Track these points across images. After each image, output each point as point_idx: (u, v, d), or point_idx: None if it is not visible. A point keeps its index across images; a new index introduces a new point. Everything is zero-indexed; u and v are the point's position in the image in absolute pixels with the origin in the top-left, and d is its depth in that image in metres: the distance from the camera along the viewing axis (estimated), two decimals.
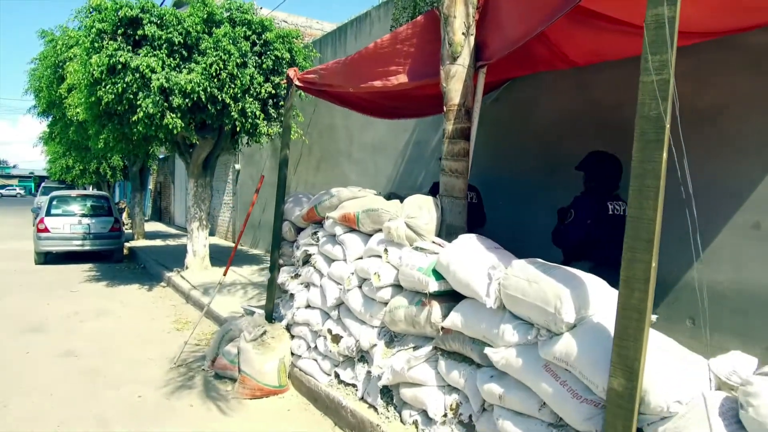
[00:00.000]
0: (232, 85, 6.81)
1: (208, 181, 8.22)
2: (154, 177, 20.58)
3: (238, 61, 6.79)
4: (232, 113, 6.92)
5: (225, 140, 8.00)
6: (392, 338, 3.35)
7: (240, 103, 6.92)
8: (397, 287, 3.37)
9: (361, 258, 3.76)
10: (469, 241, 2.98)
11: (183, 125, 6.70)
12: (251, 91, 7.01)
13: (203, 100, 6.69)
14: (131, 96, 6.41)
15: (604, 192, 3.60)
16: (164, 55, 6.49)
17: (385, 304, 3.35)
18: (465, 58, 3.40)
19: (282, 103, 7.40)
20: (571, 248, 3.67)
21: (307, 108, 8.39)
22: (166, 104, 6.48)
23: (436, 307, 2.94)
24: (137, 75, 6.32)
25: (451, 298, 2.97)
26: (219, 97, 6.77)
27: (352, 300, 3.57)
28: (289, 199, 4.58)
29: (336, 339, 3.72)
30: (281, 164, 4.56)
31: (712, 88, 3.54)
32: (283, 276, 4.44)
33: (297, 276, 4.29)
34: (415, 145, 6.45)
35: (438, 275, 2.97)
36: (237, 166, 11.54)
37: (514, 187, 5.01)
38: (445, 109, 3.48)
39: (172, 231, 16.33)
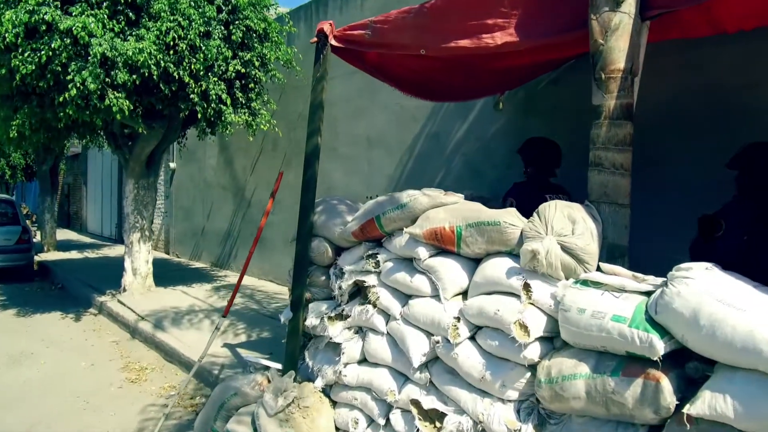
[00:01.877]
0: (193, 60, 5.33)
1: (152, 182, 6.61)
2: (61, 177, 17.90)
3: (201, 29, 5.33)
4: (191, 96, 5.44)
5: (176, 131, 6.44)
6: (545, 419, 2.21)
7: (203, 83, 5.45)
8: (547, 340, 2.25)
9: (460, 293, 2.59)
10: (712, 272, 1.91)
11: (130, 108, 5.13)
12: (215, 69, 5.56)
13: (155, 77, 5.17)
14: (58, 68, 4.77)
15: (763, 197, 2.71)
16: (105, 15, 4.90)
17: (529, 366, 2.22)
18: (631, 4, 2.34)
19: (252, 86, 6.00)
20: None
21: (272, 93, 6.99)
22: (107, 80, 4.90)
23: (666, 382, 1.84)
24: (68, 40, 4.69)
25: (674, 363, 1.90)
26: (175, 74, 5.27)
27: (464, 359, 2.39)
28: (318, 207, 3.29)
29: (431, 416, 2.52)
30: (309, 157, 3.27)
31: None
32: (313, 316, 3.14)
33: (341, 317, 3.01)
34: (431, 138, 5.32)
35: (660, 329, 1.88)
36: (172, 165, 9.81)
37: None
38: (602, 75, 2.38)
39: (86, 240, 14.02)
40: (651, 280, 2.04)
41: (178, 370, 4.60)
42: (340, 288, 3.03)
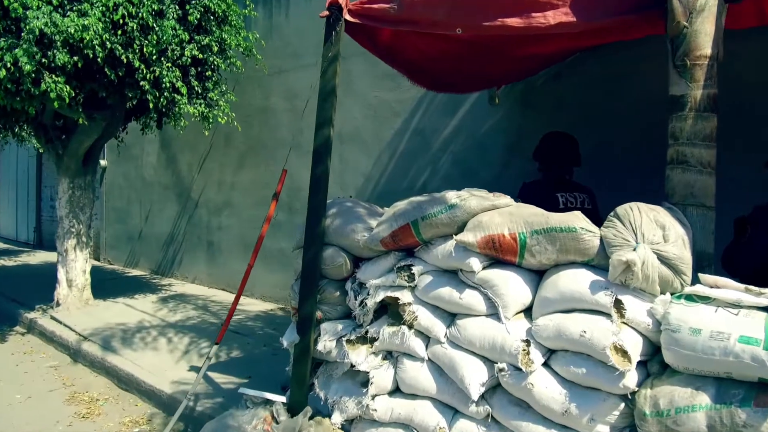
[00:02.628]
0: (145, 42, 4.66)
1: (89, 181, 5.79)
2: None
3: (155, 7, 4.67)
4: (142, 83, 4.76)
5: (118, 123, 5.67)
6: None
7: (156, 69, 4.78)
8: (641, 365, 1.94)
9: (523, 312, 2.24)
10: None
11: (71, 95, 4.39)
12: (169, 53, 4.90)
13: (99, 59, 4.46)
14: None
15: None
16: None
17: (621, 396, 1.90)
18: None
19: (210, 74, 5.37)
20: (748, 275, 2.59)
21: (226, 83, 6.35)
22: (44, 61, 4.15)
23: None
24: None
25: None
26: (123, 57, 4.57)
27: (541, 390, 2.03)
28: (330, 210, 2.82)
29: None
30: (320, 151, 2.80)
31: None
32: (327, 339, 2.67)
33: (365, 340, 2.57)
34: (415, 134, 4.95)
35: None
36: (103, 162, 8.83)
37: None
38: (687, 62, 2.10)
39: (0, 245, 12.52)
40: None
41: (137, 400, 3.95)
42: (362, 306, 2.59)
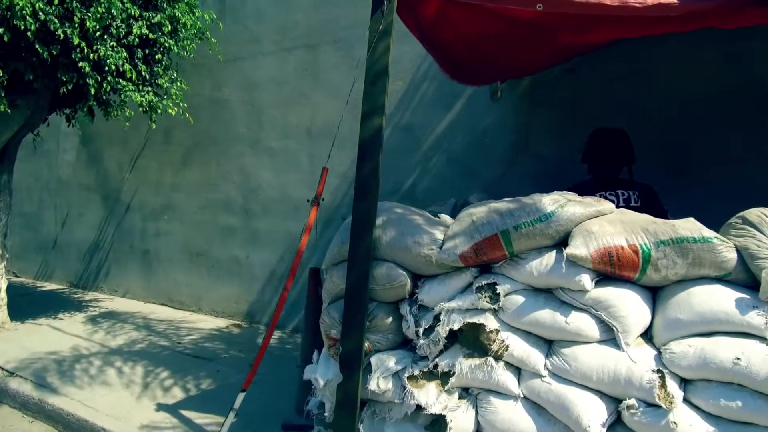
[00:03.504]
0: (87, 15, 3.88)
1: (6, 182, 4.81)
2: None
3: None
4: (81, 64, 3.97)
5: (42, 113, 4.74)
6: None
7: (100, 48, 4.01)
8: None
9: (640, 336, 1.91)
10: None
11: None
12: (113, 30, 4.14)
13: (30, 34, 3.65)
14: None
15: None
16: None
17: None
18: None
19: (160, 57, 4.63)
20: None
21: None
22: None
23: None
24: None
25: None
26: (60, 32, 3.78)
27: (685, 429, 1.71)
28: (379, 219, 2.33)
29: None
30: (367, 146, 2.32)
31: None
32: (379, 375, 2.19)
33: (432, 375, 2.12)
34: (401, 130, 4.54)
35: None
36: None
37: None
38: None
39: None
40: None
41: None
42: (429, 333, 2.14)
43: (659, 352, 1.85)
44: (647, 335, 1.92)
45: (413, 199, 4.45)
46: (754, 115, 3.14)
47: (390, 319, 2.26)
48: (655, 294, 1.96)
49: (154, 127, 4.84)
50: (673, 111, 3.41)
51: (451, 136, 4.31)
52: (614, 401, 1.88)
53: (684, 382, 1.80)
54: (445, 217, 2.35)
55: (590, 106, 3.74)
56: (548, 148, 3.92)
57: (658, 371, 1.78)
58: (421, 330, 2.15)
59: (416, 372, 2.15)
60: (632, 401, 1.79)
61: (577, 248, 1.88)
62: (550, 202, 1.99)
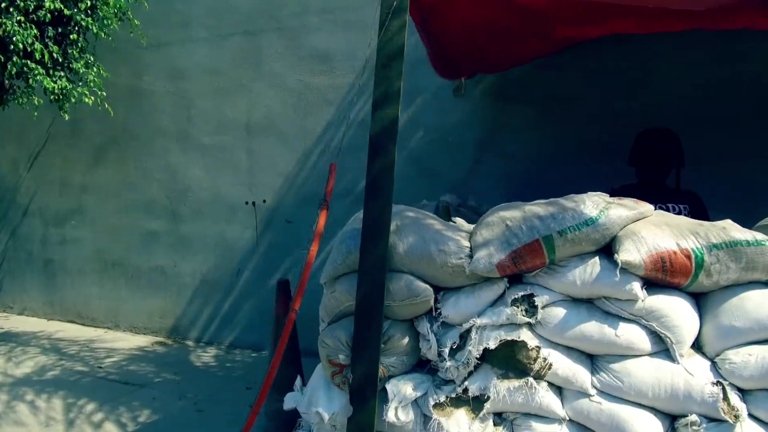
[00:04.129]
0: None
1: None
2: None
3: None
4: None
5: None
6: None
7: (5, 22, 3.35)
8: None
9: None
10: None
11: None
12: (21, 2, 3.49)
13: None
14: None
15: None
16: None
17: None
18: None
19: (75, 37, 3.99)
20: None
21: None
22: None
23: None
24: None
25: None
26: None
27: None
28: (394, 222, 2.03)
29: None
30: (380, 139, 2.03)
31: None
32: (396, 404, 1.90)
33: (460, 401, 1.87)
34: (355, 126, 4.23)
35: None
36: None
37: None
38: None
39: None
40: None
41: None
42: (454, 353, 1.89)
43: (713, 363, 1.74)
44: (695, 345, 1.80)
45: None
46: (737, 116, 3.21)
47: (406, 339, 1.98)
48: (697, 301, 1.85)
49: (66, 118, 4.18)
50: (648, 110, 3.42)
51: (411, 134, 4.08)
52: (667, 418, 1.74)
53: (742, 393, 1.70)
54: (461, 222, 2.11)
55: (563, 104, 3.68)
56: (516, 147, 3.81)
57: (718, 383, 1.67)
58: (446, 350, 1.89)
59: (442, 398, 1.89)
60: (694, 417, 1.66)
61: (629, 254, 1.72)
62: (593, 204, 1.82)
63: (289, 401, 2.31)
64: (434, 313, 1.93)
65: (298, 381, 2.36)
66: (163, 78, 4.87)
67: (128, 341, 4.90)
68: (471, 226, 2.06)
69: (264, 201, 4.55)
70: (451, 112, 3.97)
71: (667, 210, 2.46)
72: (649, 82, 3.47)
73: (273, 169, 4.53)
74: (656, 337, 1.76)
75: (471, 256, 1.87)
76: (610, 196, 2.61)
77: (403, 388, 1.94)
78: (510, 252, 1.81)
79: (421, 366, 2.05)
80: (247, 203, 4.61)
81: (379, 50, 1.97)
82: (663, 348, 1.76)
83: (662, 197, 2.55)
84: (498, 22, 2.52)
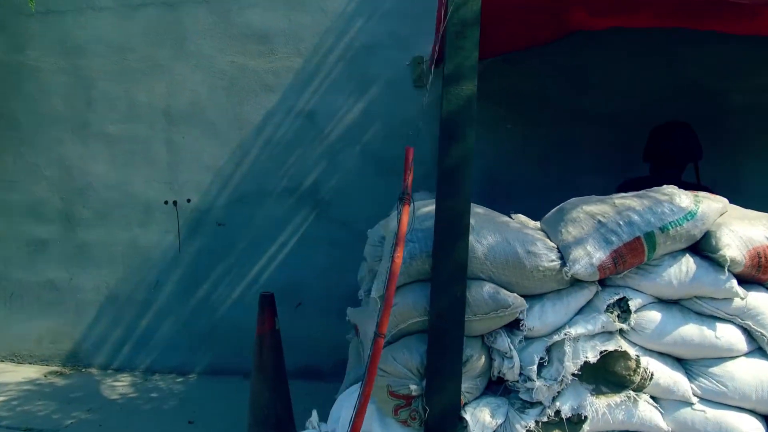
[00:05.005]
0: None
1: None
2: None
3: None
4: None
5: None
6: None
7: None
8: None
9: None
10: None
11: None
12: None
13: None
14: None
15: None
16: None
17: None
18: None
19: None
20: None
21: None
22: None
23: None
24: None
25: None
26: None
27: None
28: (471, 220, 1.71)
29: None
30: (458, 122, 1.70)
31: None
32: None
33: (558, 422, 1.64)
34: (301, 117, 3.80)
35: None
36: None
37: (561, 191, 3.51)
38: None
39: None
40: None
41: None
42: (542, 370, 1.66)
43: None
44: None
45: (317, 200, 3.80)
46: (688, 115, 3.34)
47: (483, 359, 1.70)
48: None
49: None
50: (612, 107, 3.46)
51: (365, 126, 3.75)
52: (762, 418, 1.67)
53: None
54: (523, 218, 1.89)
55: (532, 99, 3.60)
56: (481, 144, 3.65)
57: None
58: (534, 368, 1.65)
59: (531, 425, 1.65)
60: None
61: (731, 249, 1.62)
62: (686, 196, 1.69)
63: None
64: (520, 326, 1.67)
65: (314, 416, 1.97)
66: (55, 53, 4.00)
67: (13, 373, 3.98)
68: (536, 223, 1.85)
69: (188, 200, 3.93)
70: (411, 103, 3.71)
71: None
72: (611, 82, 3.51)
73: (200, 163, 3.93)
74: (749, 336, 1.69)
75: (562, 258, 1.65)
76: (621, 188, 2.60)
77: (481, 416, 1.67)
78: (611, 251, 1.62)
79: (489, 387, 1.78)
80: (166, 203, 3.96)
81: (450, 17, 1.66)
82: (756, 347, 1.69)
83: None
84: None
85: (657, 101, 3.38)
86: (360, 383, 1.96)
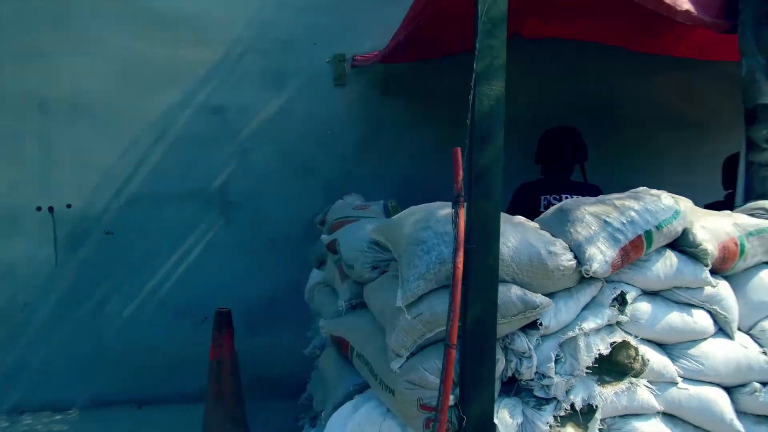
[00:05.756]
0: None
1: None
2: None
3: None
4: None
5: None
6: None
7: None
8: None
9: None
10: None
11: None
12: None
13: None
14: None
15: None
16: None
17: None
18: None
19: None
20: None
21: None
22: None
23: None
24: None
25: None
26: None
27: None
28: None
29: None
30: (487, 128, 1.64)
31: None
32: None
33: (572, 415, 1.70)
34: (209, 112, 3.55)
35: None
36: None
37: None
38: None
39: None
40: None
41: None
42: (561, 364, 1.73)
43: (749, 335, 1.99)
44: None
45: (227, 202, 3.53)
46: (588, 120, 3.71)
47: (503, 361, 1.71)
48: None
49: None
50: (518, 112, 3.70)
51: (281, 124, 3.57)
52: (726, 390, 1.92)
53: None
54: (522, 219, 1.93)
55: (450, 101, 3.69)
56: (398, 145, 3.69)
57: (763, 352, 1.92)
58: (551, 365, 1.70)
59: (551, 420, 1.70)
60: (756, 385, 1.87)
61: (709, 243, 1.83)
62: (670, 196, 1.88)
63: None
64: (538, 325, 1.71)
65: None
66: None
67: None
68: (535, 224, 1.91)
69: (68, 206, 3.38)
70: (330, 102, 3.61)
71: (559, 200, 2.67)
72: (516, 87, 3.76)
73: (83, 163, 3.40)
74: (713, 319, 1.93)
75: (576, 257, 1.73)
76: (517, 192, 2.82)
77: (504, 418, 1.68)
78: (619, 249, 1.73)
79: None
80: (39, 209, 3.36)
81: (481, 16, 1.63)
82: (718, 328, 1.94)
83: (558, 190, 2.81)
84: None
85: (559, 107, 3.71)
86: (364, 398, 1.86)
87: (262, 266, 3.55)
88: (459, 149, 1.51)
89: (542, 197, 2.83)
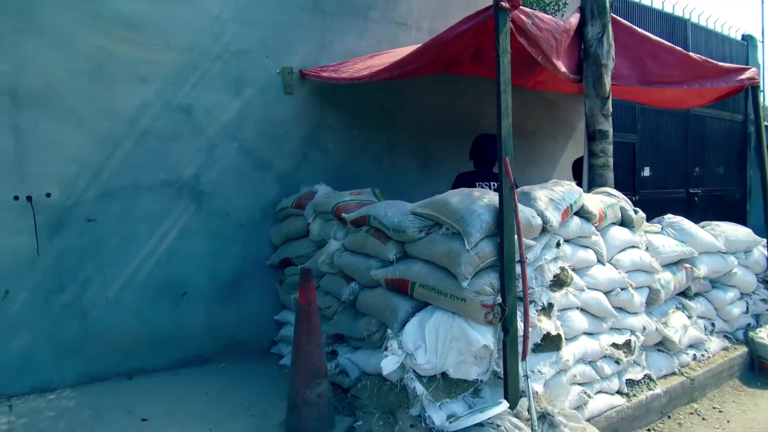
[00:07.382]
0: None
1: None
2: None
3: None
4: None
5: None
6: None
7: None
8: None
9: None
10: None
11: None
12: None
13: None
14: None
15: None
16: None
17: None
18: None
19: None
20: None
21: None
22: None
23: None
24: None
25: None
26: None
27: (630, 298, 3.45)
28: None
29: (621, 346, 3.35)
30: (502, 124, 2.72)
31: None
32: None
33: (546, 310, 2.92)
34: (177, 111, 3.94)
35: None
36: None
37: (390, 179, 4.75)
38: (609, 113, 3.94)
39: None
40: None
41: None
42: (536, 280, 2.96)
43: (610, 263, 3.48)
44: None
45: (198, 192, 4.01)
46: (463, 130, 5.05)
47: None
48: None
49: None
50: (418, 119, 4.90)
51: (241, 125, 4.14)
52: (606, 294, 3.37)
53: None
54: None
55: (366, 113, 4.68)
56: (334, 144, 4.56)
57: (620, 272, 3.42)
58: (533, 281, 2.92)
59: (534, 313, 2.91)
60: (618, 289, 3.36)
61: (595, 208, 3.26)
62: (573, 185, 3.25)
63: (389, 364, 2.70)
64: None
65: (394, 344, 2.73)
66: None
67: None
68: None
69: (48, 195, 3.48)
70: (281, 107, 4.29)
71: (490, 186, 3.95)
72: (418, 101, 4.96)
73: (61, 154, 3.52)
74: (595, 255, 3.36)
75: (542, 218, 2.96)
76: (457, 179, 4.07)
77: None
78: (560, 214, 3.02)
79: None
80: (17, 198, 3.40)
81: (497, 34, 2.68)
82: (597, 260, 3.38)
83: (487, 179, 4.07)
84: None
85: (448, 116, 5.03)
86: (428, 312, 2.79)
87: (230, 246, 4.09)
88: (507, 158, 2.58)
89: (477, 183, 3.99)
